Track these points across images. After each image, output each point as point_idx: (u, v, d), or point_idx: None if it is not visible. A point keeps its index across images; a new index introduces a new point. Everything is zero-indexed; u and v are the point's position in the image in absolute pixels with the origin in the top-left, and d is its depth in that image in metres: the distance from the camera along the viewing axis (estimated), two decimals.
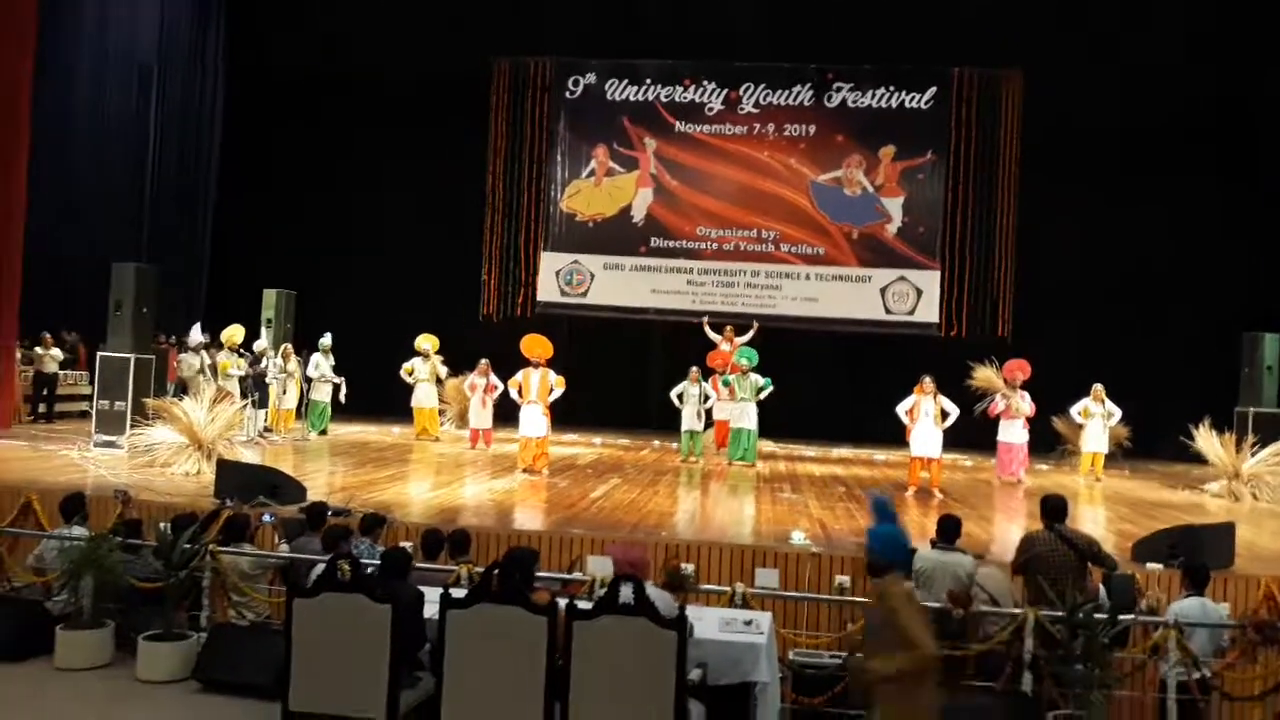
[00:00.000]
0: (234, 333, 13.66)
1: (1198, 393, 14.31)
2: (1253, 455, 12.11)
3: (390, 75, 17.29)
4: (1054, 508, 6.40)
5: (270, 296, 15.11)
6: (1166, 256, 16.16)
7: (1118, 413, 13.46)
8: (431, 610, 5.05)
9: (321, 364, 14.54)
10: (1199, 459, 12.65)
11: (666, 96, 18.08)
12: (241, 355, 13.66)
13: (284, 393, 14.19)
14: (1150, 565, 7.62)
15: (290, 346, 14.54)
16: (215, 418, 10.63)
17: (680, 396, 13.36)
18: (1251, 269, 16.10)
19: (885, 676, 4.22)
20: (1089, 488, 12.79)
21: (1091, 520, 9.95)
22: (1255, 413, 13.45)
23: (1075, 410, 13.62)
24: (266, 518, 7.73)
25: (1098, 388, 13.47)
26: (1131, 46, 15.62)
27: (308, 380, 14.52)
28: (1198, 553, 7.23)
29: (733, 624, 5.50)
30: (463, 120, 17.77)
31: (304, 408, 14.59)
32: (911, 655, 4.14)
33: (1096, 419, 13.41)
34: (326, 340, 14.70)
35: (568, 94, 18.28)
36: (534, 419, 11.79)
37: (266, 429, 13.89)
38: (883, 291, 17.59)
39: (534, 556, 5.20)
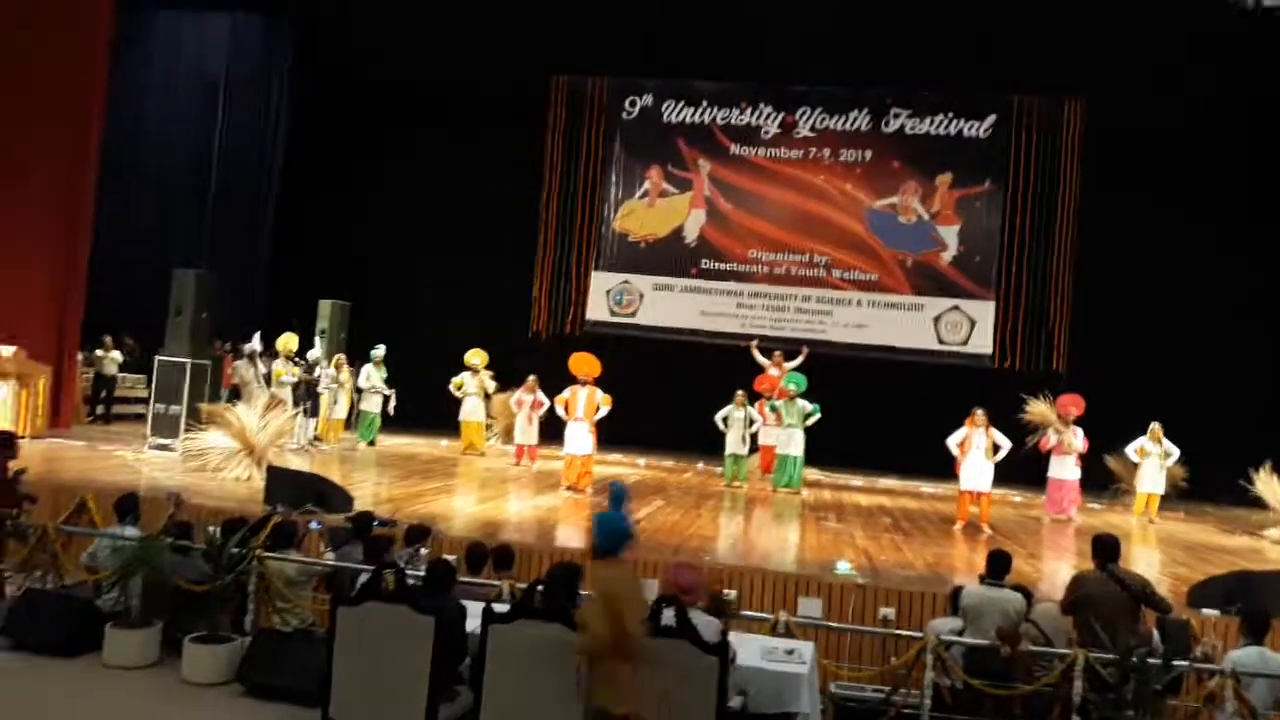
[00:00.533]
0: (288, 341, 13.87)
1: (1259, 435, 13.94)
2: None
3: (450, 89, 17.53)
4: (1106, 546, 6.26)
5: (325, 307, 15.34)
6: (1228, 292, 15.78)
7: (1175, 452, 13.14)
8: (473, 624, 5.06)
9: (373, 375, 14.71)
10: (1259, 503, 12.31)
11: (723, 119, 18.11)
12: (295, 363, 13.85)
13: (335, 402, 14.36)
14: (1206, 611, 7.42)
15: (343, 357, 14.74)
16: (267, 425, 10.78)
17: (725, 420, 13.31)
18: None
19: (581, 650, 4.56)
20: (1142, 529, 12.50)
21: (1145, 563, 9.71)
22: None
23: (1131, 449, 13.33)
24: (314, 525, 7.81)
25: (1155, 426, 13.17)
26: (1195, 75, 15.32)
27: (358, 391, 14.69)
28: (1255, 599, 7.02)
29: (775, 653, 5.44)
30: (520, 136, 17.95)
31: (354, 418, 14.76)
32: (597, 635, 4.48)
33: (1153, 458, 13.11)
34: (379, 351, 14.87)
35: (624, 114, 18.39)
36: (580, 437, 11.81)
37: (317, 438, 14.06)
38: (936, 321, 17.40)
39: (578, 573, 5.19)
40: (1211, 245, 15.74)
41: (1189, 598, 7.75)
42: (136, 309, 16.12)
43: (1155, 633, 6.32)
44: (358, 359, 14.94)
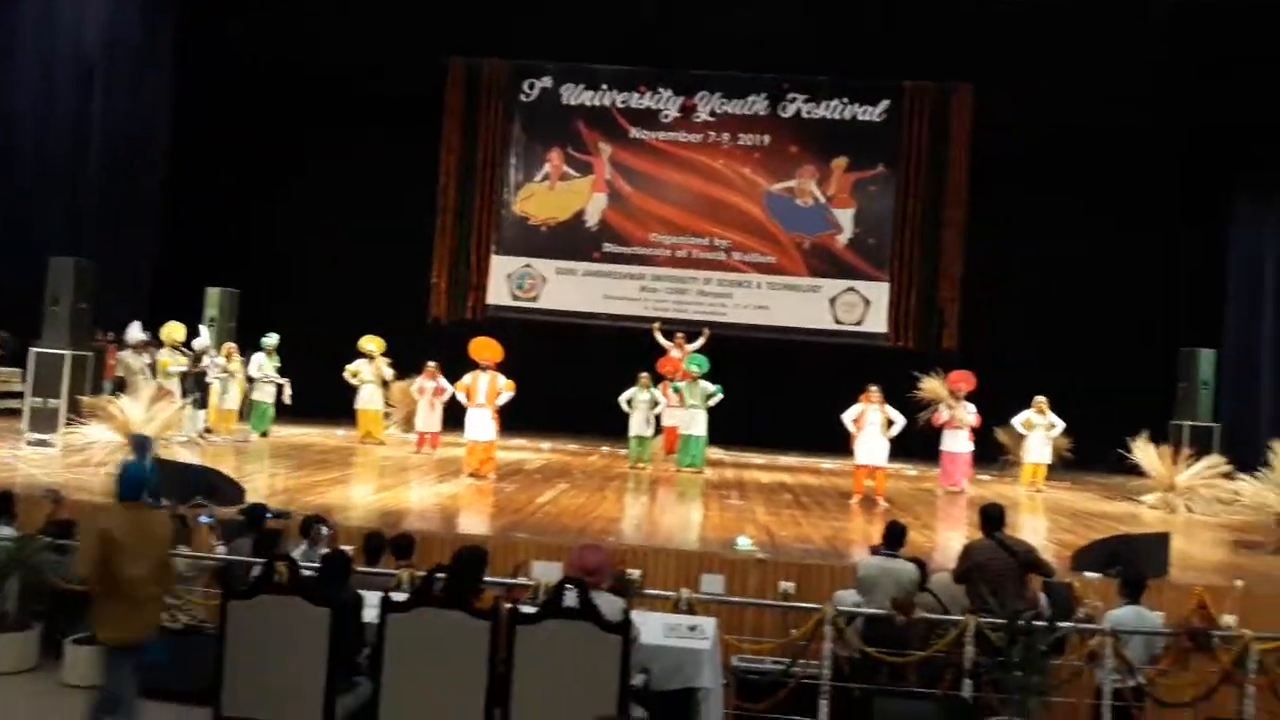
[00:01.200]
0: (174, 330, 13.37)
1: (1136, 406, 14.60)
2: (1187, 468, 12.38)
3: (342, 73, 17.02)
4: (992, 516, 6.49)
5: (214, 295, 14.84)
6: (1109, 272, 16.47)
7: (1060, 424, 13.70)
8: (371, 614, 4.97)
9: (265, 364, 14.30)
10: (1136, 471, 12.90)
11: (622, 102, 18.09)
12: (182, 353, 13.38)
13: (225, 393, 13.92)
14: (1088, 574, 7.74)
15: (234, 346, 14.28)
16: (154, 417, 10.40)
17: (629, 402, 13.34)
18: (1190, 286, 16.48)
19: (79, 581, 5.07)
20: (1030, 498, 12.99)
21: (1032, 530, 10.10)
22: (1190, 426, 13.81)
23: (1018, 421, 13.84)
24: (204, 519, 7.57)
25: (1040, 400, 13.70)
26: (1080, 63, 15.89)
27: (250, 380, 14.28)
28: (1134, 562, 7.37)
29: (677, 629, 5.48)
30: (416, 119, 17.60)
31: (246, 408, 14.33)
32: (83, 572, 4.98)
33: (1039, 430, 13.64)
34: (271, 340, 14.47)
35: (523, 96, 18.21)
36: (482, 423, 11.69)
37: (207, 429, 13.61)
38: (832, 302, 17.74)
39: (484, 559, 5.14)
40: (1093, 227, 16.39)
41: (1073, 562, 8.09)
42: (10, 300, 15.31)
43: (1042, 596, 6.57)
44: (249, 347, 14.49)
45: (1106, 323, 16.39)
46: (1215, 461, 12.40)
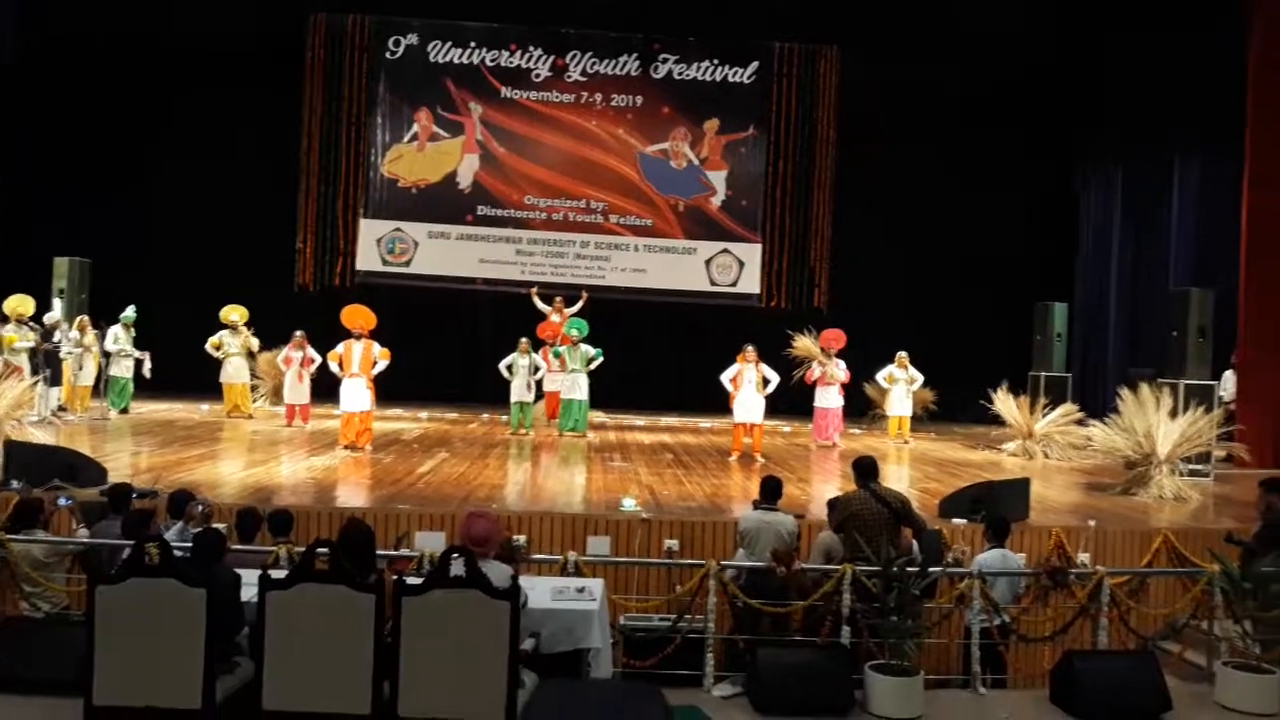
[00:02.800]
0: (20, 303, 12.58)
1: (996, 359, 15.33)
2: (1044, 416, 13.07)
3: (197, 30, 16.12)
4: (866, 468, 6.71)
5: (62, 265, 13.99)
6: (969, 231, 17.11)
7: (920, 378, 14.28)
8: (249, 593, 4.83)
9: (121, 337, 13.62)
10: (997, 420, 13.55)
11: (492, 61, 17.75)
12: (31, 328, 12.60)
13: (80, 369, 13.20)
14: (955, 520, 8.11)
15: (87, 319, 13.53)
16: (2, 395, 9.77)
17: (510, 368, 13.24)
18: (1043, 244, 17.30)
19: None
20: (897, 449, 13.50)
21: (899, 480, 10.50)
22: (1046, 377, 14.55)
23: (881, 376, 14.36)
24: (62, 501, 7.18)
25: (902, 355, 14.23)
26: (941, 27, 16.35)
27: (106, 355, 13.57)
28: (997, 507, 7.76)
29: (565, 592, 5.50)
30: (275, 80, 16.88)
31: (103, 385, 13.61)
32: None
33: (901, 384, 14.18)
34: (129, 313, 13.78)
35: (388, 54, 17.67)
36: (356, 393, 11.41)
37: (61, 407, 12.89)
38: (707, 264, 17.95)
39: (370, 534, 5.03)
40: (953, 188, 16.98)
41: (940, 509, 8.46)
42: None
43: (914, 543, 6.85)
44: (104, 320, 13.76)
45: (967, 280, 17.08)
46: (1069, 410, 13.13)
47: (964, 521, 8.05)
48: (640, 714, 4.86)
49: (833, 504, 6.91)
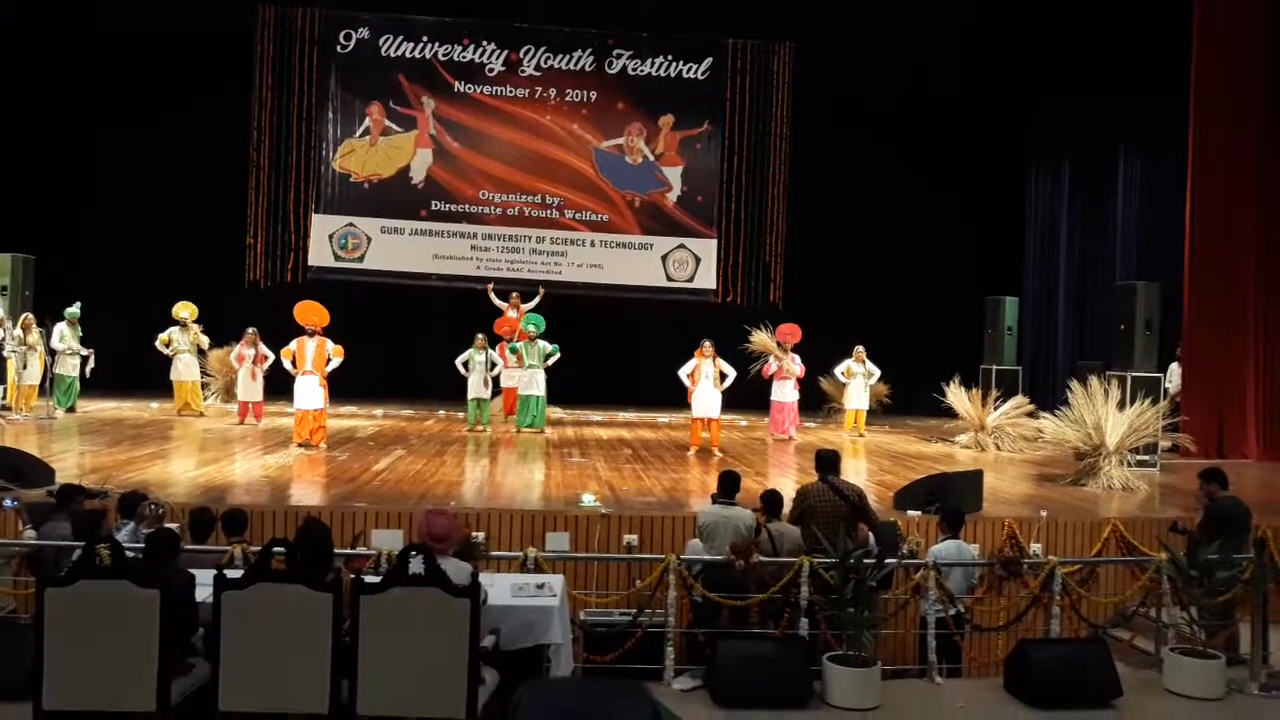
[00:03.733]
0: None
1: (949, 353, 15.53)
2: (995, 409, 13.26)
3: (144, 24, 15.80)
4: (826, 461, 6.78)
5: (4, 261, 13.66)
6: (920, 228, 17.34)
7: (877, 372, 14.43)
8: (204, 593, 4.75)
9: (67, 335, 13.33)
10: (950, 413, 13.73)
11: (445, 55, 17.60)
12: None
13: (24, 367, 12.90)
14: (910, 512, 8.20)
15: (31, 316, 13.21)
16: None
17: (466, 364, 13.16)
18: (994, 237, 17.54)
19: None
20: (853, 443, 13.62)
21: (855, 472, 10.59)
22: (997, 370, 14.78)
23: (839, 370, 14.50)
24: (7, 503, 7.03)
25: (859, 349, 14.38)
26: (893, 28, 16.53)
27: (51, 353, 13.27)
28: (951, 499, 7.86)
29: (525, 589, 5.49)
30: (224, 71, 16.59)
31: (48, 383, 13.31)
32: None
33: (858, 378, 14.31)
34: (74, 310, 13.49)
35: (339, 48, 17.45)
36: (310, 391, 11.27)
37: (5, 406, 12.61)
38: (664, 259, 17.97)
39: (326, 532, 4.98)
40: (905, 185, 17.19)
41: (895, 501, 8.56)
42: None
43: (870, 536, 6.92)
44: (49, 318, 13.45)
45: (919, 275, 17.29)
46: (1020, 402, 13.34)
47: (919, 513, 8.15)
48: (628, 712, 4.81)
49: (767, 497, 7.00)
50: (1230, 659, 6.27)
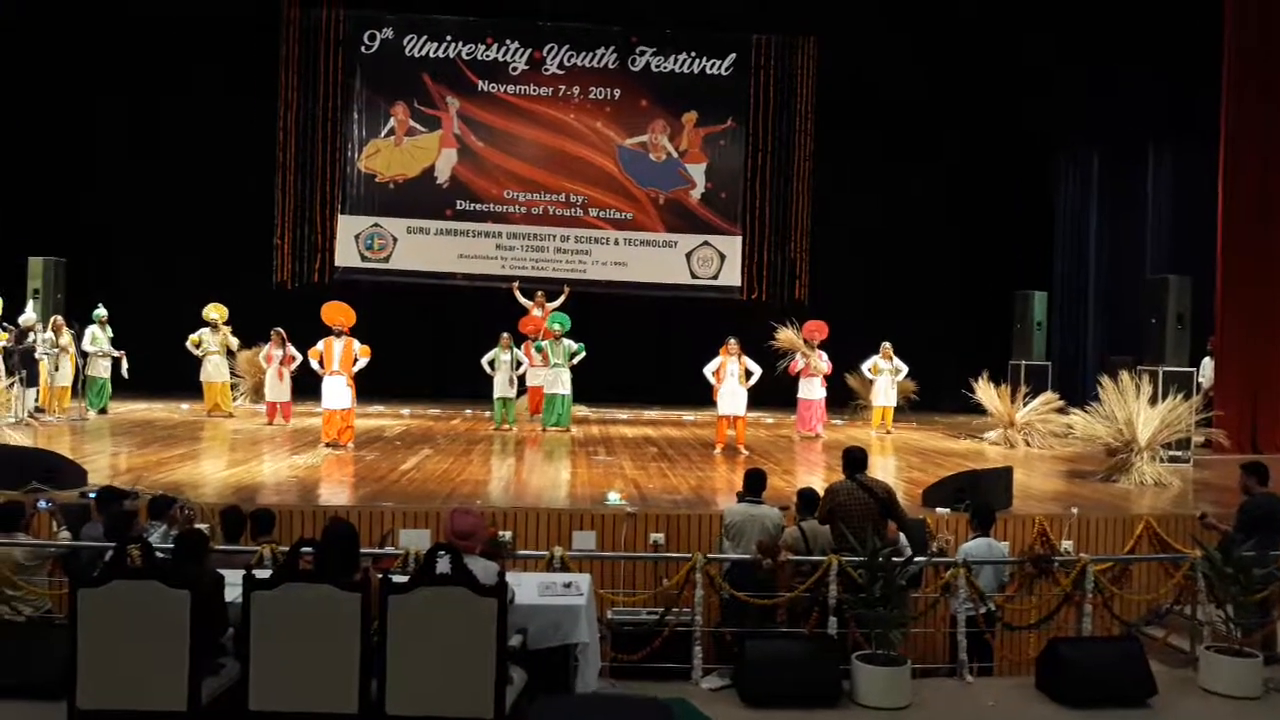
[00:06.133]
0: None
1: (977, 348, 15.39)
2: (1025, 404, 13.14)
3: (172, 25, 15.96)
4: (854, 459, 6.72)
5: (37, 265, 13.85)
6: (948, 222, 17.18)
7: (904, 368, 14.32)
8: (234, 593, 4.78)
9: (99, 337, 13.49)
10: (979, 409, 13.61)
11: (468, 54, 17.63)
12: (4, 329, 12.45)
13: (56, 369, 13.05)
14: (940, 510, 8.14)
15: (61, 319, 13.37)
16: None
17: (492, 363, 13.20)
18: (1023, 231, 17.36)
19: None
20: (880, 440, 13.54)
21: (883, 470, 10.53)
22: (1026, 365, 14.64)
23: (865, 367, 14.40)
24: (42, 504, 7.10)
25: (886, 345, 14.28)
26: (918, 21, 16.40)
27: (83, 355, 13.43)
28: (981, 496, 7.78)
29: (552, 588, 5.49)
30: (251, 73, 16.71)
31: (81, 385, 13.48)
32: None
33: (885, 375, 14.22)
34: (101, 311, 13.66)
35: (364, 48, 17.52)
36: (337, 390, 11.34)
37: (39, 409, 12.76)
38: (688, 256, 17.92)
39: (354, 533, 4.99)
40: (933, 178, 17.05)
41: (924, 499, 8.49)
42: None
43: (900, 535, 6.86)
44: (80, 320, 13.61)
45: (948, 270, 17.15)
46: (1049, 398, 13.20)
47: (948, 511, 8.08)
48: None
49: (803, 495, 6.96)
50: (1268, 658, 6.17)
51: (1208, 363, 13.14)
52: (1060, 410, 12.87)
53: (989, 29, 16.36)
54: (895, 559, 5.92)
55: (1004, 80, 16.76)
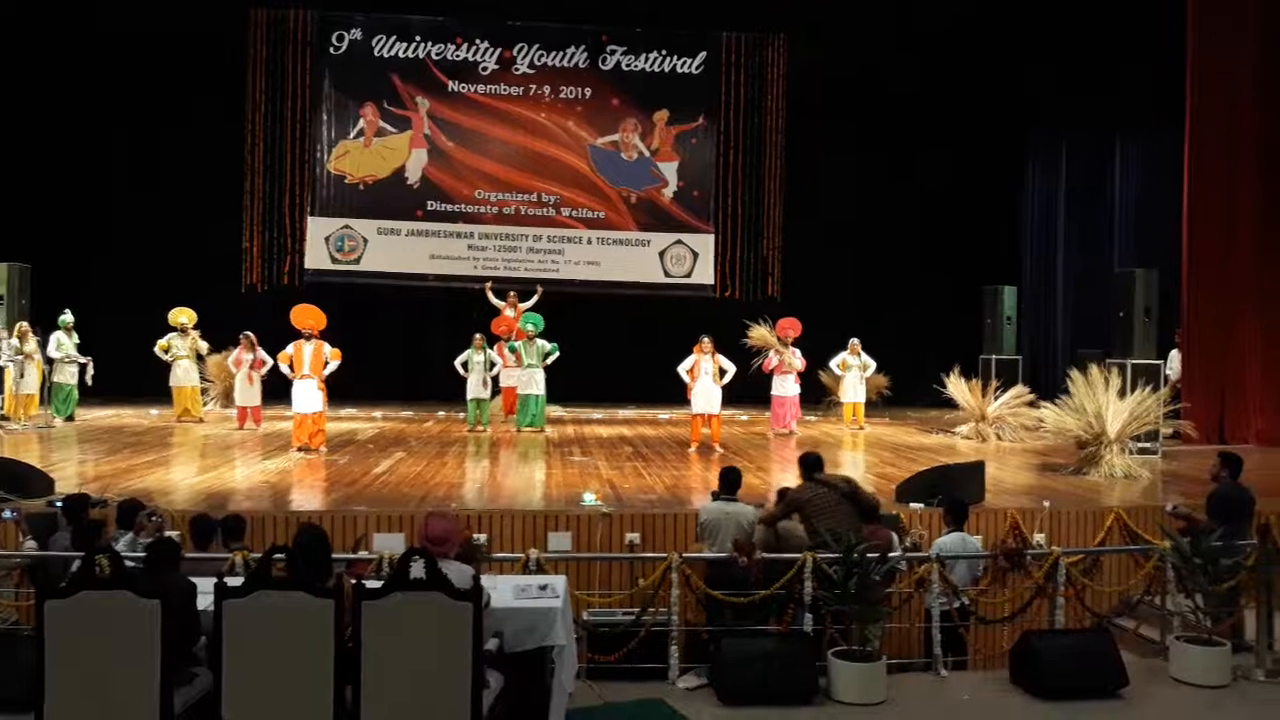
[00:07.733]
0: None
1: (948, 343, 15.50)
2: (996, 399, 13.24)
3: (137, 27, 15.74)
4: (811, 463, 6.72)
5: (1, 270, 13.63)
6: (917, 218, 17.29)
7: (873, 364, 14.41)
8: (205, 601, 4.73)
9: (64, 343, 13.31)
10: (950, 404, 13.71)
11: (438, 54, 17.54)
12: None
13: (22, 376, 12.88)
14: (913, 505, 8.18)
15: (27, 325, 13.19)
16: None
17: (465, 364, 13.14)
18: (992, 227, 17.51)
19: None
20: (853, 436, 13.60)
21: (855, 466, 10.58)
22: (997, 359, 14.77)
23: (834, 363, 14.50)
24: (7, 514, 7.00)
25: (854, 342, 14.36)
26: (889, 19, 16.48)
27: (49, 361, 13.25)
28: (954, 491, 7.83)
29: (528, 590, 5.46)
30: (218, 75, 16.53)
31: (47, 392, 13.30)
32: None
33: (854, 371, 14.30)
34: (67, 317, 13.48)
35: (332, 49, 17.40)
36: (308, 394, 11.25)
37: (4, 416, 12.58)
38: (661, 255, 17.93)
39: (325, 538, 4.94)
40: (902, 175, 17.14)
41: (897, 494, 8.53)
42: None
43: (895, 536, 6.87)
44: (45, 326, 13.43)
45: (918, 266, 17.25)
46: (1020, 392, 13.32)
47: (921, 506, 8.12)
48: None
49: (782, 494, 6.98)
50: (1236, 646, 6.26)
51: (1175, 355, 13.30)
52: (1031, 404, 13.01)
53: (958, 25, 16.47)
54: (870, 554, 5.93)
55: (973, 76, 16.88)
